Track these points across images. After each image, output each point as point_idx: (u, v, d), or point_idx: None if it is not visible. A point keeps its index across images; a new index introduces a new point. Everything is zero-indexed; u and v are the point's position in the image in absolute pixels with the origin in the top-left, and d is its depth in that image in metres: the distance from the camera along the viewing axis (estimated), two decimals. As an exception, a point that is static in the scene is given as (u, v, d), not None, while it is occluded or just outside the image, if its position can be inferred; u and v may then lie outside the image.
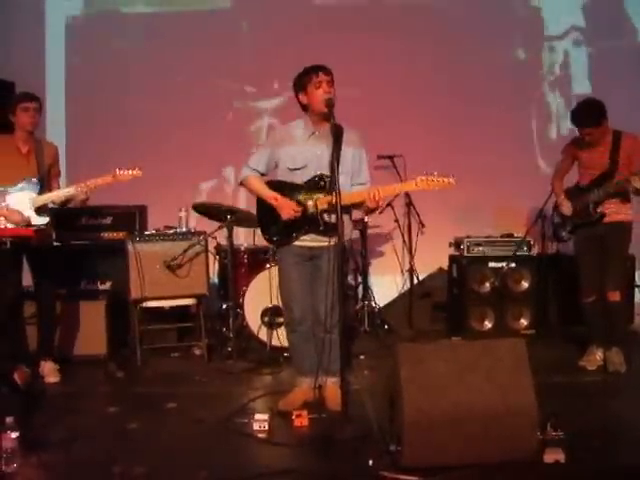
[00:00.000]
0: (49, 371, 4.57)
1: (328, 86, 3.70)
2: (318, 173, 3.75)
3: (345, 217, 3.81)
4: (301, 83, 3.77)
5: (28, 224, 4.30)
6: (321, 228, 3.76)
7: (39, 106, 4.46)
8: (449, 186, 3.69)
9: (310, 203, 3.76)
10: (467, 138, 6.71)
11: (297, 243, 3.84)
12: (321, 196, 3.73)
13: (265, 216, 3.92)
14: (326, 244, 3.70)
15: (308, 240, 3.82)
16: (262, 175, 3.93)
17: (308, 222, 3.78)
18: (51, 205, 4.55)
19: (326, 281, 3.65)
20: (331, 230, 3.62)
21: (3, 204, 4.27)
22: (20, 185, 4.34)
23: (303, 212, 3.77)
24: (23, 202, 4.33)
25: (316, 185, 3.76)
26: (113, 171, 4.37)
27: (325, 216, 3.75)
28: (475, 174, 6.67)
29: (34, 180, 4.38)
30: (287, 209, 3.76)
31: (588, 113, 4.47)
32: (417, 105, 6.72)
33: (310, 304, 3.85)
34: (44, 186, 4.46)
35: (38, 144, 4.53)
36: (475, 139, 6.73)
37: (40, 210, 4.39)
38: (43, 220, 4.39)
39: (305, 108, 3.82)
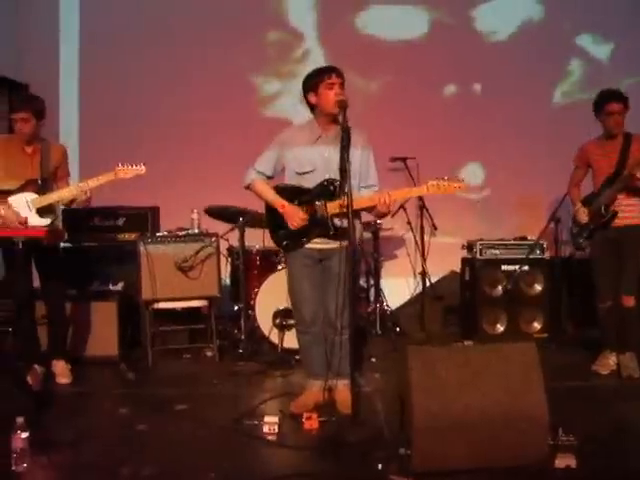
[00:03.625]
0: (61, 371, 4.58)
1: (340, 89, 3.66)
2: (327, 177, 3.70)
3: (355, 221, 3.79)
4: (312, 83, 3.72)
5: (25, 224, 4.24)
6: (331, 232, 3.72)
7: (29, 115, 4.32)
8: (459, 190, 3.65)
9: (320, 208, 3.71)
10: (480, 141, 6.68)
11: (306, 245, 3.81)
12: (331, 201, 3.68)
13: (274, 221, 3.87)
14: (336, 246, 3.66)
15: (318, 242, 3.79)
16: (269, 178, 3.88)
17: (318, 226, 3.74)
18: (62, 207, 4.57)
19: (337, 282, 3.62)
20: (342, 234, 3.58)
21: (4, 205, 4.26)
22: (21, 186, 4.34)
23: (313, 216, 3.74)
24: (22, 203, 4.32)
25: (326, 190, 3.70)
26: (114, 168, 4.34)
27: (336, 220, 3.70)
28: (488, 177, 6.67)
29: (35, 181, 4.36)
30: (294, 218, 3.73)
31: (617, 92, 4.51)
32: (431, 107, 6.70)
33: (320, 306, 3.83)
34: (48, 187, 4.42)
35: (44, 145, 4.46)
36: (488, 142, 6.70)
37: (43, 211, 4.36)
38: (44, 221, 4.35)
39: (313, 109, 3.79)
